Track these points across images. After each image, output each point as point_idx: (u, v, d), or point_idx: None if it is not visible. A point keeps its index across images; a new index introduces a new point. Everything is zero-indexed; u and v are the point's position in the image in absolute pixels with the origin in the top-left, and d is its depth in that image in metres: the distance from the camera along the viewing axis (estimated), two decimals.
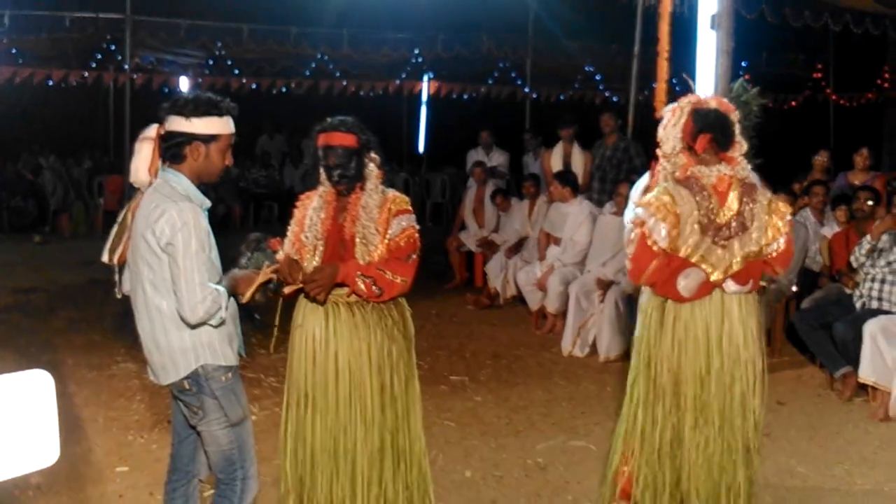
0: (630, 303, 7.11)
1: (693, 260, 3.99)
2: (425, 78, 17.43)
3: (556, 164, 10.10)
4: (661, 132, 4.19)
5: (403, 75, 17.06)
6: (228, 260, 3.62)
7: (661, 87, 6.56)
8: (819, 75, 18.32)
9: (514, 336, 8.62)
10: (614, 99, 16.90)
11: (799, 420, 6.19)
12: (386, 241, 3.83)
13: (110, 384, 6.77)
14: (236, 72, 16.25)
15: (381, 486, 3.91)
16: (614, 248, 7.80)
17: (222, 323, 3.43)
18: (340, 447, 3.88)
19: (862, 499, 4.97)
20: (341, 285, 3.81)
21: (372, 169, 3.90)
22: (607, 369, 7.44)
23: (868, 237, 6.75)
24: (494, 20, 14.62)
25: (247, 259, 3.65)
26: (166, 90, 15.67)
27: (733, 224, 4.01)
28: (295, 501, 4.00)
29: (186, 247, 3.28)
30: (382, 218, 3.85)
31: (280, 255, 3.79)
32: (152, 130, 3.51)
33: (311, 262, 3.86)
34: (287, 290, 3.74)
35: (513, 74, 16.75)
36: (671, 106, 4.37)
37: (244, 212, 15.53)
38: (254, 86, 16.40)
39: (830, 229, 8.02)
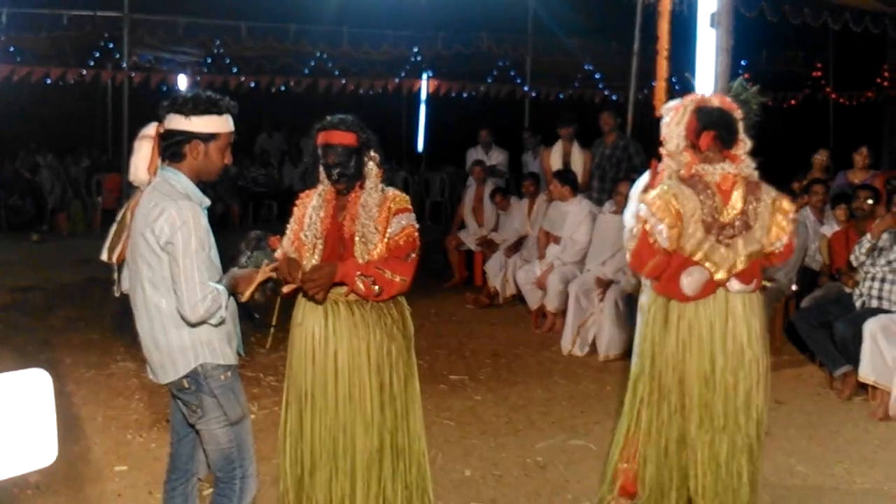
0: (630, 302, 7.11)
1: (696, 258, 3.99)
2: (424, 76, 17.41)
3: (555, 162, 10.10)
4: (664, 130, 4.19)
5: (403, 73, 17.04)
6: (228, 259, 3.62)
7: (660, 85, 6.53)
8: (819, 74, 18.32)
9: (513, 335, 8.62)
10: (614, 97, 16.90)
11: (798, 419, 6.19)
12: (385, 239, 3.83)
13: (109, 383, 6.77)
14: (235, 70, 16.24)
15: (380, 485, 3.90)
16: (614, 246, 7.80)
17: (222, 322, 3.43)
18: (339, 446, 3.87)
19: (861, 498, 4.97)
20: (340, 284, 3.80)
21: (371, 167, 3.90)
22: (607, 368, 7.44)
23: (868, 236, 6.75)
24: (494, 18, 14.61)
25: (246, 258, 3.65)
26: (164, 88, 15.66)
27: (737, 223, 4.01)
28: (294, 500, 3.99)
29: (186, 245, 3.27)
30: (382, 217, 3.84)
31: (279, 254, 3.79)
32: (151, 129, 3.50)
33: (311, 260, 3.86)
34: (286, 289, 3.73)
35: (512, 73, 16.74)
36: (672, 103, 4.36)
37: (243, 210, 15.53)
38: (252, 84, 16.39)
39: (830, 228, 8.02)
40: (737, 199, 4.03)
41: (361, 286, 3.76)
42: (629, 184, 6.00)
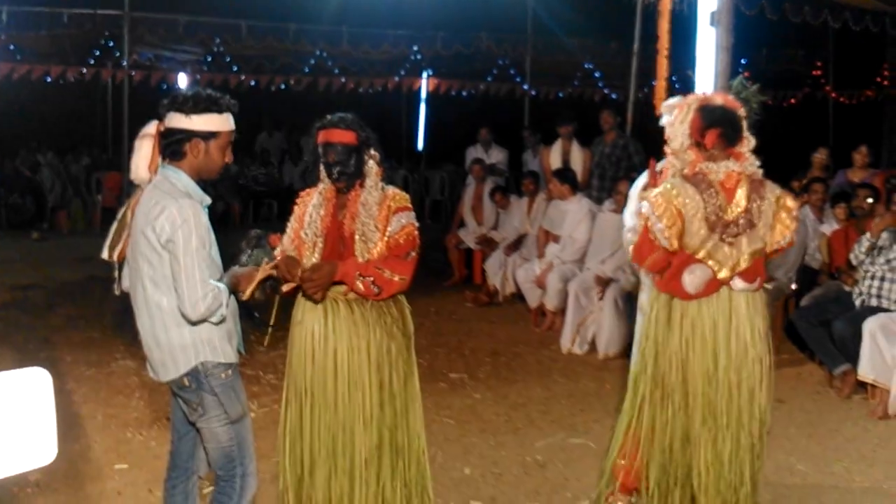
0: (629, 300, 7.11)
1: (699, 256, 4.00)
2: (424, 75, 17.41)
3: (555, 161, 10.11)
4: (668, 129, 4.19)
5: (402, 72, 17.04)
6: (228, 257, 3.62)
7: (660, 84, 6.54)
8: (818, 72, 18.32)
9: (513, 333, 8.62)
10: (613, 96, 16.91)
11: (798, 418, 6.20)
12: (385, 238, 3.82)
13: (109, 381, 6.77)
14: (235, 68, 16.23)
15: (379, 483, 3.90)
16: (613, 245, 7.80)
17: (223, 320, 3.43)
18: (339, 444, 3.87)
19: (861, 496, 4.97)
20: (340, 283, 3.80)
21: (371, 166, 3.90)
22: (606, 367, 7.44)
23: (868, 235, 6.76)
24: (494, 17, 14.62)
25: (247, 256, 3.65)
26: (165, 87, 15.66)
27: (741, 221, 4.02)
28: (293, 498, 3.99)
29: (187, 243, 3.28)
30: (382, 215, 3.84)
31: (279, 252, 3.79)
32: (152, 127, 3.50)
33: (311, 258, 3.86)
34: (285, 287, 3.74)
35: (512, 72, 16.74)
36: (670, 101, 4.37)
37: (243, 209, 15.54)
38: (253, 83, 16.38)
39: (830, 227, 8.02)
40: (741, 196, 4.03)
41: (361, 286, 3.76)
42: (629, 182, 6.01)
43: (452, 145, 14.89)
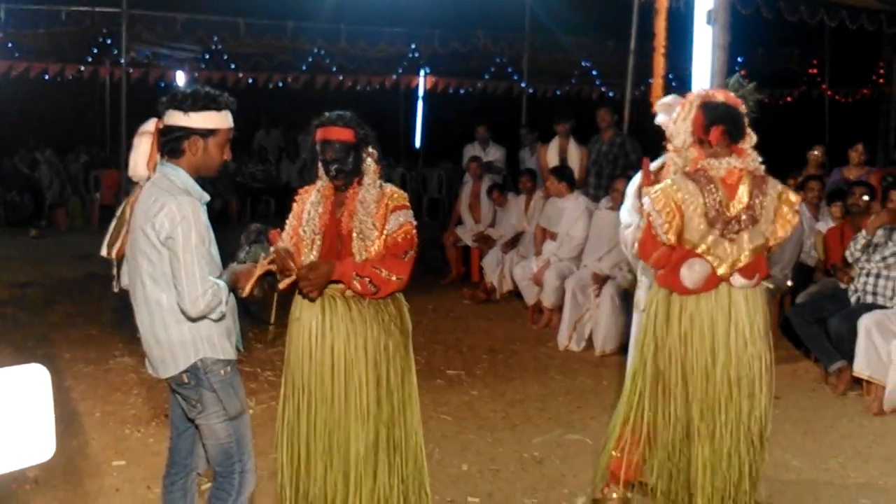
0: (626, 297, 7.13)
1: (699, 251, 4.01)
2: (422, 73, 17.40)
3: (552, 159, 10.13)
4: (670, 126, 4.20)
5: (400, 70, 17.03)
6: (227, 254, 3.63)
7: (657, 82, 6.56)
8: (815, 71, 18.33)
9: (510, 331, 8.64)
10: (610, 94, 16.90)
11: (794, 414, 6.22)
12: (383, 236, 3.83)
13: (107, 378, 6.78)
14: (233, 66, 16.22)
15: (375, 480, 3.91)
16: (610, 242, 7.82)
17: (223, 317, 3.44)
18: (335, 440, 3.88)
19: (856, 492, 4.99)
20: (337, 282, 3.82)
21: (370, 164, 3.91)
22: (603, 363, 7.46)
23: (863, 232, 6.78)
24: (491, 16, 14.62)
25: (245, 253, 3.66)
26: (162, 85, 15.65)
27: (743, 217, 4.03)
28: (291, 495, 4.00)
29: (186, 240, 3.29)
30: (380, 213, 3.85)
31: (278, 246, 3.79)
32: (151, 125, 3.51)
33: (309, 256, 3.87)
34: (282, 284, 3.74)
35: (509, 70, 16.74)
36: (665, 99, 4.39)
37: (241, 206, 15.53)
38: (250, 80, 16.35)
39: (825, 224, 8.05)
40: (743, 193, 4.04)
41: (358, 285, 3.78)
42: (626, 180, 6.02)
43: (450, 143, 14.91)
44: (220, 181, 13.82)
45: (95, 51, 15.46)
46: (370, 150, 3.91)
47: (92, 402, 6.24)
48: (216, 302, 3.34)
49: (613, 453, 4.38)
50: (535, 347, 8.03)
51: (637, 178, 4.69)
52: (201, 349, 3.45)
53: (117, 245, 3.62)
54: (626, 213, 4.82)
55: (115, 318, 8.02)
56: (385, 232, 3.83)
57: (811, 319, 6.96)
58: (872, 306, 6.59)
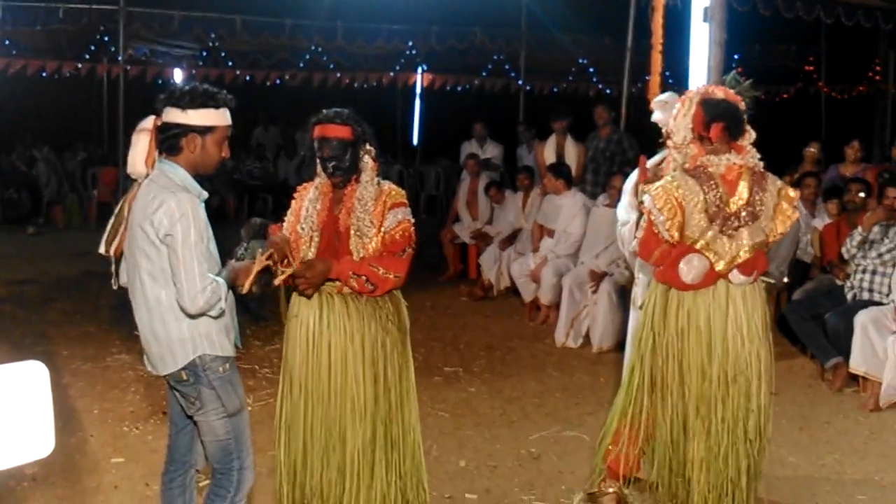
0: (623, 294, 7.14)
1: (698, 246, 4.01)
2: (419, 70, 17.40)
3: (549, 156, 10.14)
4: (670, 123, 4.21)
5: (397, 67, 17.03)
6: (225, 251, 3.64)
7: (654, 79, 6.58)
8: (811, 67, 18.33)
9: (507, 327, 8.65)
10: (608, 91, 16.89)
11: (790, 410, 6.23)
12: (381, 234, 3.84)
13: (105, 375, 6.79)
14: (230, 64, 16.21)
15: (373, 477, 3.92)
16: (607, 239, 7.83)
17: (222, 314, 3.45)
18: (333, 437, 3.89)
19: (852, 488, 5.01)
20: (334, 279, 3.83)
21: (367, 161, 3.91)
22: (600, 360, 7.48)
23: (859, 229, 6.80)
24: (488, 13, 14.61)
25: (243, 249, 3.67)
26: (160, 82, 15.63)
27: (743, 213, 4.03)
28: (288, 491, 4.02)
29: (185, 237, 3.29)
30: (378, 210, 3.85)
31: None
32: (149, 122, 3.51)
33: (307, 252, 3.88)
34: (277, 281, 3.75)
35: (506, 67, 16.73)
36: (661, 97, 4.40)
37: (238, 204, 15.52)
38: (248, 78, 16.36)
39: (822, 221, 8.06)
40: (743, 189, 4.05)
41: (355, 284, 3.79)
42: (623, 177, 6.04)
43: (447, 140, 14.90)
44: (217, 178, 13.81)
45: (93, 48, 15.43)
46: (368, 147, 3.92)
47: (90, 400, 6.25)
48: (215, 299, 3.34)
49: (610, 448, 4.40)
50: (532, 344, 8.05)
51: (634, 176, 4.70)
52: (200, 346, 3.45)
53: (115, 242, 3.62)
54: (623, 210, 4.83)
55: (113, 316, 8.04)
56: (383, 229, 3.84)
57: (807, 316, 6.98)
58: (868, 303, 6.61)
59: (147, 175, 3.48)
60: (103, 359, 7.18)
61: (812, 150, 9.69)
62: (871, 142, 14.75)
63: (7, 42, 14.48)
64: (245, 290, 3.52)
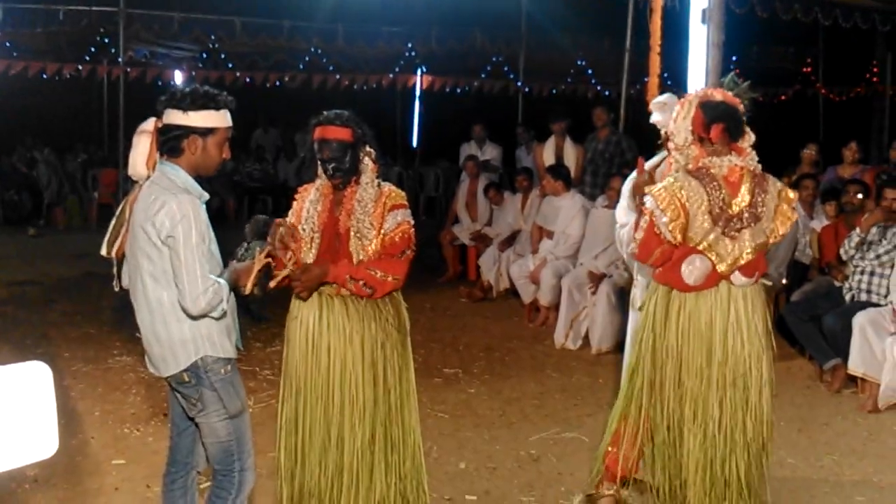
0: (622, 295, 7.16)
1: (700, 248, 4.02)
2: (419, 72, 17.41)
3: (548, 157, 10.16)
4: (671, 125, 4.22)
5: (397, 69, 17.04)
6: (226, 253, 3.65)
7: (653, 81, 6.59)
8: (809, 69, 18.34)
9: (507, 329, 8.67)
10: (606, 93, 16.91)
11: (789, 411, 6.24)
12: (380, 235, 3.85)
13: (106, 377, 6.80)
14: (230, 65, 16.22)
15: (371, 478, 3.93)
16: (606, 241, 7.84)
17: (224, 315, 3.46)
18: (332, 438, 3.90)
19: (851, 489, 5.02)
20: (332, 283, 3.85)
21: (367, 163, 3.93)
22: (599, 361, 7.49)
23: (857, 230, 6.80)
24: (488, 15, 14.63)
25: (244, 250, 3.69)
26: (160, 84, 15.66)
27: (745, 215, 4.04)
28: (287, 493, 4.03)
29: (187, 239, 3.30)
30: (378, 212, 3.87)
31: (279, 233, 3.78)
32: (150, 124, 3.52)
33: (308, 254, 3.89)
34: (273, 283, 3.76)
35: (506, 69, 16.74)
36: (659, 98, 4.41)
37: (238, 205, 15.53)
38: (247, 79, 16.37)
39: (820, 222, 8.07)
40: (745, 191, 4.05)
41: (352, 287, 3.80)
42: (621, 179, 6.04)
43: (447, 142, 14.91)
44: (217, 180, 13.81)
45: (93, 50, 15.45)
46: (368, 149, 3.93)
47: (91, 401, 6.26)
48: (217, 300, 3.36)
49: (609, 449, 4.41)
50: (531, 345, 8.06)
51: (632, 177, 4.71)
52: (202, 348, 3.46)
53: (117, 244, 3.62)
54: (622, 211, 4.83)
55: (114, 317, 8.05)
56: (382, 231, 3.85)
57: (806, 317, 6.99)
58: (867, 304, 6.62)
59: (148, 177, 3.49)
60: (104, 360, 7.19)
61: (810, 151, 9.69)
62: (869, 143, 14.78)
63: (7, 44, 14.50)
64: (247, 290, 3.53)
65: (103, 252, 3.68)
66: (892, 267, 6.61)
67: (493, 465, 5.28)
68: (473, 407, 6.34)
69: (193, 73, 15.97)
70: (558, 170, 9.16)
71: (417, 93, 17.78)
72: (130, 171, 3.57)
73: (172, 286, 3.38)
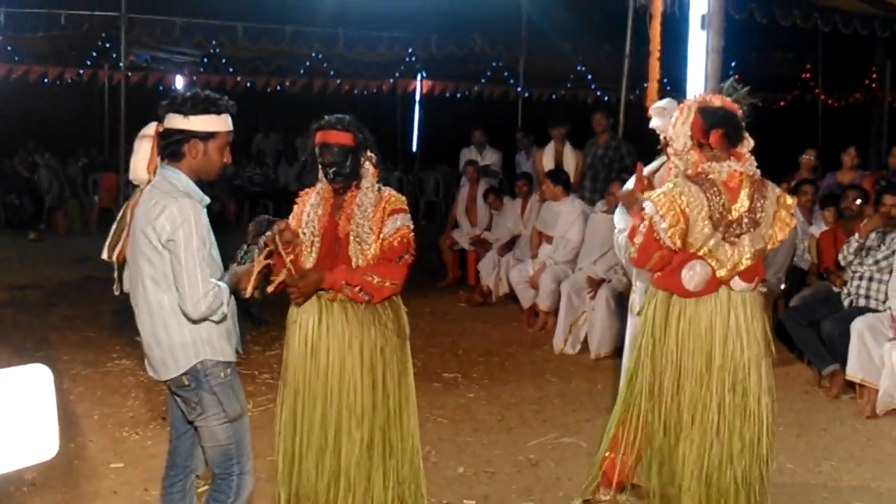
0: (621, 300, 7.16)
1: (700, 253, 4.03)
2: (419, 77, 17.43)
3: (548, 162, 10.17)
4: (670, 131, 4.23)
5: (397, 74, 17.05)
6: (226, 257, 3.66)
7: (652, 86, 6.59)
8: (808, 75, 18.35)
9: (506, 333, 8.67)
10: (606, 98, 16.92)
11: (787, 417, 6.23)
12: (380, 240, 3.86)
13: (105, 381, 6.81)
14: (231, 70, 16.25)
15: (370, 482, 3.94)
16: (605, 246, 7.84)
17: (224, 318, 3.47)
18: (330, 443, 3.91)
19: (849, 495, 5.02)
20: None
21: (368, 167, 3.94)
22: (598, 366, 7.49)
23: (856, 236, 6.82)
24: (488, 20, 14.64)
25: (243, 253, 3.69)
26: (161, 88, 15.69)
27: (745, 220, 4.04)
28: (286, 496, 4.03)
29: (188, 243, 3.32)
30: (377, 217, 3.88)
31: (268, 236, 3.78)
32: (151, 128, 3.53)
33: (308, 258, 3.90)
34: (270, 288, 3.77)
35: (505, 74, 16.74)
36: (659, 103, 4.42)
37: (239, 210, 15.55)
38: (249, 84, 16.41)
39: (818, 228, 8.07)
40: (744, 196, 4.06)
41: (349, 293, 3.82)
42: (621, 184, 6.06)
43: (447, 147, 14.93)
44: (218, 184, 13.78)
45: (94, 54, 15.46)
46: (368, 153, 3.95)
47: (90, 405, 6.27)
48: (217, 304, 3.37)
49: (607, 455, 4.41)
50: (530, 350, 8.06)
51: (630, 183, 4.72)
52: (202, 351, 3.47)
53: (118, 248, 3.63)
54: (620, 217, 4.84)
55: (114, 321, 8.06)
56: (382, 235, 3.87)
57: (804, 322, 7.00)
58: (865, 310, 6.63)
59: (149, 181, 3.50)
60: (104, 364, 7.20)
61: (809, 157, 9.70)
62: (868, 149, 14.78)
63: (9, 48, 14.52)
64: (248, 293, 3.54)
65: (104, 256, 3.68)
66: (890, 272, 6.62)
67: (492, 470, 5.28)
68: (472, 411, 6.34)
69: (195, 78, 16.01)
70: (558, 175, 9.17)
71: (417, 97, 17.79)
72: (131, 176, 3.58)
73: (173, 290, 3.38)
